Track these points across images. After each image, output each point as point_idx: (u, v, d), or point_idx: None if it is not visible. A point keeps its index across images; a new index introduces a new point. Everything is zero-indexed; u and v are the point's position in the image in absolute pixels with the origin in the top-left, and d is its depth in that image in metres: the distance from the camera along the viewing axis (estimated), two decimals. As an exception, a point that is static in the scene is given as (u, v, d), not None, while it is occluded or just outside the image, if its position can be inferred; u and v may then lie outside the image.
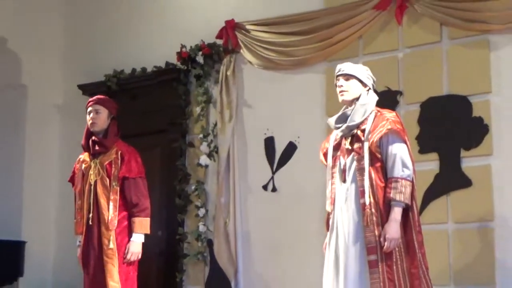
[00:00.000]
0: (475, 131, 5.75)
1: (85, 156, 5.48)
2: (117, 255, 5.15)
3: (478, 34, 5.85)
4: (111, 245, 5.14)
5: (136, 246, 5.22)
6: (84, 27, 8.43)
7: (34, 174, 8.18)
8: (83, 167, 5.41)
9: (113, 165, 5.27)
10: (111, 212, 5.19)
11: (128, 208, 5.26)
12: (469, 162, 5.76)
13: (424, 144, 5.93)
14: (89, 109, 5.44)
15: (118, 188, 5.24)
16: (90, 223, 5.24)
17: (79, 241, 5.37)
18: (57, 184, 8.23)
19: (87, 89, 7.96)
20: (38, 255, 7.96)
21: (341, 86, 4.53)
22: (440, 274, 5.49)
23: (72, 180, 5.57)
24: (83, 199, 5.32)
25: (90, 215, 5.24)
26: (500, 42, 5.77)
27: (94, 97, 5.57)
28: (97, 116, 5.39)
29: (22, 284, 7.84)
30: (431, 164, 5.89)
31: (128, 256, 5.18)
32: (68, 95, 8.33)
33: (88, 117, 5.43)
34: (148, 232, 5.32)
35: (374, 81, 4.63)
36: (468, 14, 5.84)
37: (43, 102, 8.33)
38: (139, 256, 5.26)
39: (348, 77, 4.53)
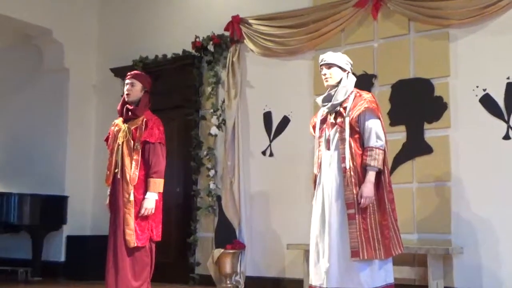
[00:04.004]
0: (436, 108, 5.72)
1: (118, 121, 5.24)
2: (133, 208, 4.92)
3: (440, 28, 5.80)
4: (131, 198, 4.93)
5: (149, 202, 4.94)
6: (116, 21, 8.43)
7: (75, 141, 8.23)
8: (115, 130, 5.19)
9: (138, 130, 5.04)
10: (132, 170, 4.97)
11: (146, 169, 5.02)
12: (431, 133, 5.74)
13: (394, 118, 5.90)
14: (126, 81, 5.21)
15: (140, 150, 4.99)
16: (116, 177, 5.03)
17: (109, 191, 5.16)
18: (93, 149, 8.35)
19: (118, 72, 7.96)
20: (79, 206, 8.03)
21: (325, 74, 4.45)
22: (406, 224, 5.51)
23: (107, 139, 5.34)
24: (112, 157, 5.11)
25: (116, 170, 5.03)
26: (457, 35, 5.73)
27: (132, 72, 5.37)
28: (132, 88, 5.15)
29: (66, 230, 7.95)
30: (400, 135, 5.87)
31: (142, 211, 4.91)
32: (102, 77, 8.36)
33: (124, 89, 5.24)
34: (161, 191, 5.02)
35: (351, 65, 4.52)
36: (431, 11, 5.81)
37: (82, 82, 8.36)
38: (153, 211, 4.96)
39: (329, 65, 4.44)
